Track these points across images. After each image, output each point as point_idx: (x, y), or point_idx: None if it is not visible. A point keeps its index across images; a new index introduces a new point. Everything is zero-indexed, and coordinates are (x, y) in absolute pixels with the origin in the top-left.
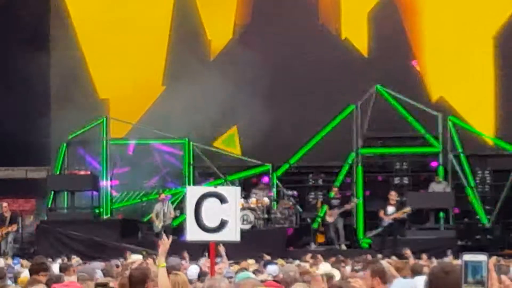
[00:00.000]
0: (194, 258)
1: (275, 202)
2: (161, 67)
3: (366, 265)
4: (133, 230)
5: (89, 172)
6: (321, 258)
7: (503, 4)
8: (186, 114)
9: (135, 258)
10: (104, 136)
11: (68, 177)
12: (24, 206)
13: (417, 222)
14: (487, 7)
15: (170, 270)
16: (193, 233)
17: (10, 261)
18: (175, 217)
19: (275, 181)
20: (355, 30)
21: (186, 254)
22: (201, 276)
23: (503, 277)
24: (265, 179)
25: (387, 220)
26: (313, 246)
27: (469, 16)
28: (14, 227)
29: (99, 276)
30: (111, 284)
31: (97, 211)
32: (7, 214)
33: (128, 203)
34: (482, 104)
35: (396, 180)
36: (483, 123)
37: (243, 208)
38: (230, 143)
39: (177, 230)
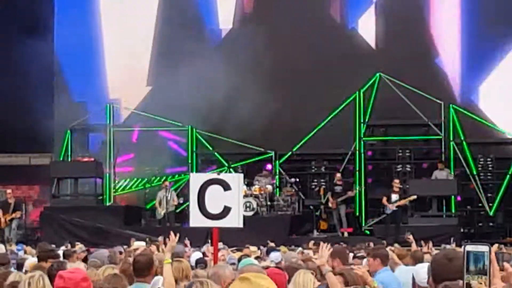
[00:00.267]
0: (197, 245)
1: (277, 189)
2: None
3: (370, 252)
4: (136, 217)
5: (92, 159)
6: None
7: None
8: (189, 101)
9: (138, 245)
10: (108, 123)
11: (71, 164)
12: (28, 193)
13: (420, 210)
14: None
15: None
16: (196, 220)
17: (14, 247)
18: (179, 204)
19: (278, 168)
20: (362, 20)
21: (187, 241)
22: (199, 262)
23: (506, 264)
24: (268, 167)
25: (391, 208)
26: (315, 233)
27: None
28: (18, 214)
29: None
30: (114, 271)
31: (100, 198)
32: (11, 201)
33: (132, 190)
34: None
35: (399, 168)
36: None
37: (246, 195)
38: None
39: (180, 217)
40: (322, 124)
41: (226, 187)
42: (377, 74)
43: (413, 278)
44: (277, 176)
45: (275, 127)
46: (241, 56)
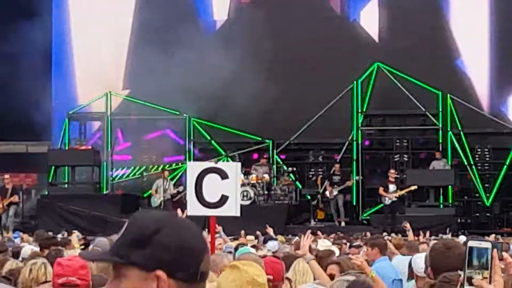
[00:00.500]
0: None
1: (275, 179)
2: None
3: (368, 241)
4: (134, 206)
5: (90, 147)
6: (320, 234)
7: None
8: (186, 90)
9: None
10: (106, 111)
11: (69, 152)
12: (25, 181)
13: (417, 200)
14: None
15: None
16: (194, 208)
17: (10, 234)
18: (177, 193)
19: (275, 157)
20: (364, 12)
21: None
22: None
23: (505, 254)
24: (265, 156)
25: (390, 198)
26: (312, 223)
27: None
28: (15, 198)
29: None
30: None
31: (97, 186)
32: (9, 186)
33: (129, 178)
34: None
35: (396, 158)
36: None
37: (243, 184)
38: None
39: (176, 206)
40: (320, 114)
41: (223, 176)
42: (375, 64)
43: (410, 267)
44: (274, 166)
45: (273, 117)
46: (239, 45)
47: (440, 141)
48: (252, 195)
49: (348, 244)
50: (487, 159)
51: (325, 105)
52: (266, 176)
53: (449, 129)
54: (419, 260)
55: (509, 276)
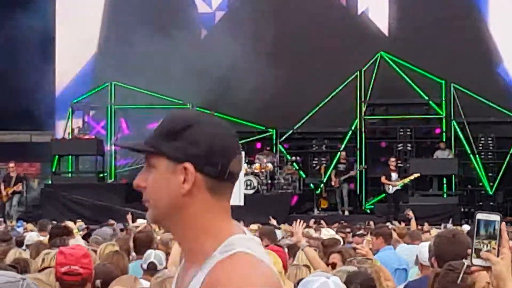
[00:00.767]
0: None
1: (278, 168)
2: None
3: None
4: (137, 195)
5: (93, 137)
6: (324, 223)
7: None
8: (188, 79)
9: (140, 222)
10: (109, 100)
11: (72, 141)
12: (29, 170)
13: (420, 189)
14: None
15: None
16: None
17: (14, 223)
18: None
19: (279, 146)
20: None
21: None
22: None
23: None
24: (269, 145)
25: (393, 187)
26: (316, 212)
27: None
28: (19, 186)
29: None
30: (115, 248)
31: (101, 175)
32: (13, 174)
33: (133, 167)
34: None
35: (400, 147)
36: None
37: (246, 174)
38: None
39: None
40: (324, 102)
41: None
42: (379, 54)
43: (417, 256)
44: (277, 155)
45: (276, 105)
46: (241, 32)
47: (444, 130)
48: (255, 184)
49: (351, 233)
50: (491, 148)
51: (328, 93)
52: (270, 165)
53: (452, 118)
54: (424, 249)
55: None
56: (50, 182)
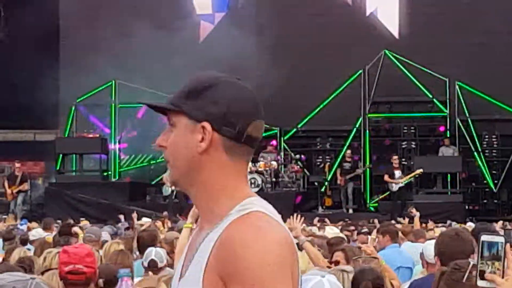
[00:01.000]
0: None
1: (282, 166)
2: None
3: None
4: (141, 193)
5: (97, 135)
6: (328, 221)
7: None
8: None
9: (144, 221)
10: (113, 99)
11: (76, 140)
12: (33, 169)
13: (425, 186)
14: None
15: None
16: None
17: (18, 221)
18: None
19: (283, 145)
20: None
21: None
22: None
23: None
24: (273, 143)
25: (396, 184)
26: (320, 210)
27: None
28: (25, 186)
29: (106, 238)
30: (120, 246)
31: (105, 174)
32: (19, 173)
33: (137, 166)
34: None
35: (404, 145)
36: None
37: (250, 172)
38: None
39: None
40: (328, 100)
41: None
42: (383, 51)
43: (422, 254)
44: (282, 153)
45: (280, 103)
46: (244, 29)
47: (448, 127)
48: (259, 182)
49: (356, 231)
50: (495, 145)
51: (332, 91)
52: (274, 163)
53: (456, 116)
54: (430, 247)
55: None
56: (54, 180)
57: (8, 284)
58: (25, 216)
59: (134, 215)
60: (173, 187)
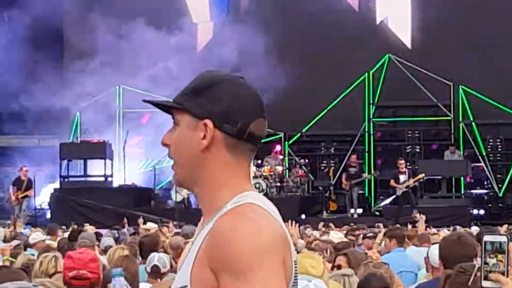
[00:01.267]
0: None
1: (287, 171)
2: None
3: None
4: (146, 198)
5: (102, 140)
6: (333, 226)
7: None
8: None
9: (150, 226)
10: (118, 104)
11: (81, 145)
12: (38, 174)
13: (429, 191)
14: None
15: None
16: None
17: (22, 226)
18: None
19: (287, 149)
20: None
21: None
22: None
23: None
24: (277, 148)
25: (401, 189)
26: (325, 214)
27: None
28: (30, 192)
29: (106, 244)
30: (124, 252)
31: (110, 179)
32: (24, 178)
33: (141, 171)
34: None
35: (408, 149)
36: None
37: (255, 176)
38: None
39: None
40: (332, 105)
41: None
42: (387, 56)
43: (427, 258)
44: (286, 157)
45: (285, 108)
46: (248, 33)
47: (452, 132)
48: (264, 187)
49: (361, 235)
50: (499, 149)
51: (336, 96)
52: (279, 168)
53: (461, 120)
54: (435, 251)
55: None
56: (58, 186)
57: None
58: (29, 222)
59: (140, 220)
60: (183, 194)
